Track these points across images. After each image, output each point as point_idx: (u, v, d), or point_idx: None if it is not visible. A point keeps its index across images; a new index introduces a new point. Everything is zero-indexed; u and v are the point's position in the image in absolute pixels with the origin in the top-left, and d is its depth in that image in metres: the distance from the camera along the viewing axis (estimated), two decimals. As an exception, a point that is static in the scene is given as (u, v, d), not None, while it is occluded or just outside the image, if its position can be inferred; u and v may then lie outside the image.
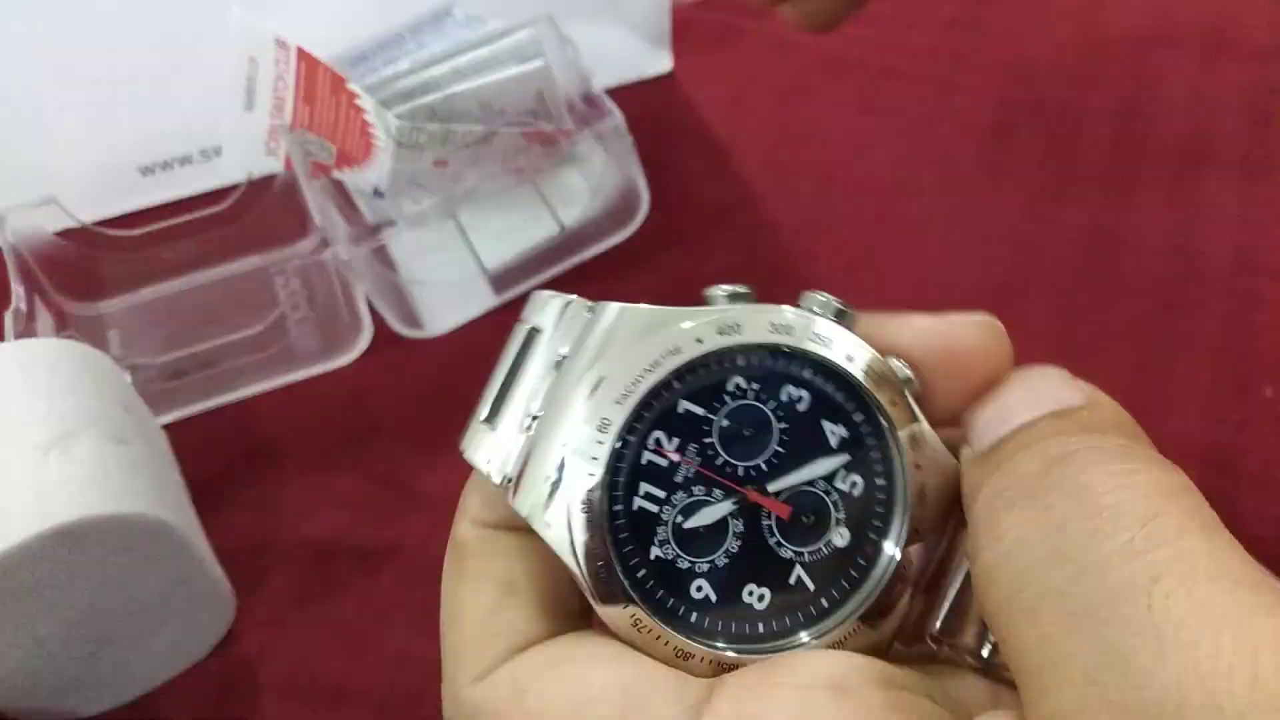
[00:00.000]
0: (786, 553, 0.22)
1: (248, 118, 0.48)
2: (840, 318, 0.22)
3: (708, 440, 0.22)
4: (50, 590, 0.35)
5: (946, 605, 0.22)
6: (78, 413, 0.37)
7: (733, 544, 0.22)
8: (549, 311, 0.23)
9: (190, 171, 0.55)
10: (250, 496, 0.45)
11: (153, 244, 0.49)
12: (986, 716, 0.19)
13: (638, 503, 0.22)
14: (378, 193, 0.48)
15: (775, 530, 0.22)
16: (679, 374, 0.21)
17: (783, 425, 0.22)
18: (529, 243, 0.51)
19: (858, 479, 0.22)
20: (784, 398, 0.22)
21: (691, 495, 0.22)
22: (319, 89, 0.46)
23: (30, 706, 0.38)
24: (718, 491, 0.22)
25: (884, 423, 0.22)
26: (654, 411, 0.21)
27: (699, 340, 0.21)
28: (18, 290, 0.44)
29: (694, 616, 0.22)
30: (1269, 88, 0.57)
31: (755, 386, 0.22)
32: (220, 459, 0.46)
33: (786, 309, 0.22)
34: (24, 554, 0.33)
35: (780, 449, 0.22)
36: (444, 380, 0.49)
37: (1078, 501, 0.18)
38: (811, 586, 0.22)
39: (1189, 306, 0.49)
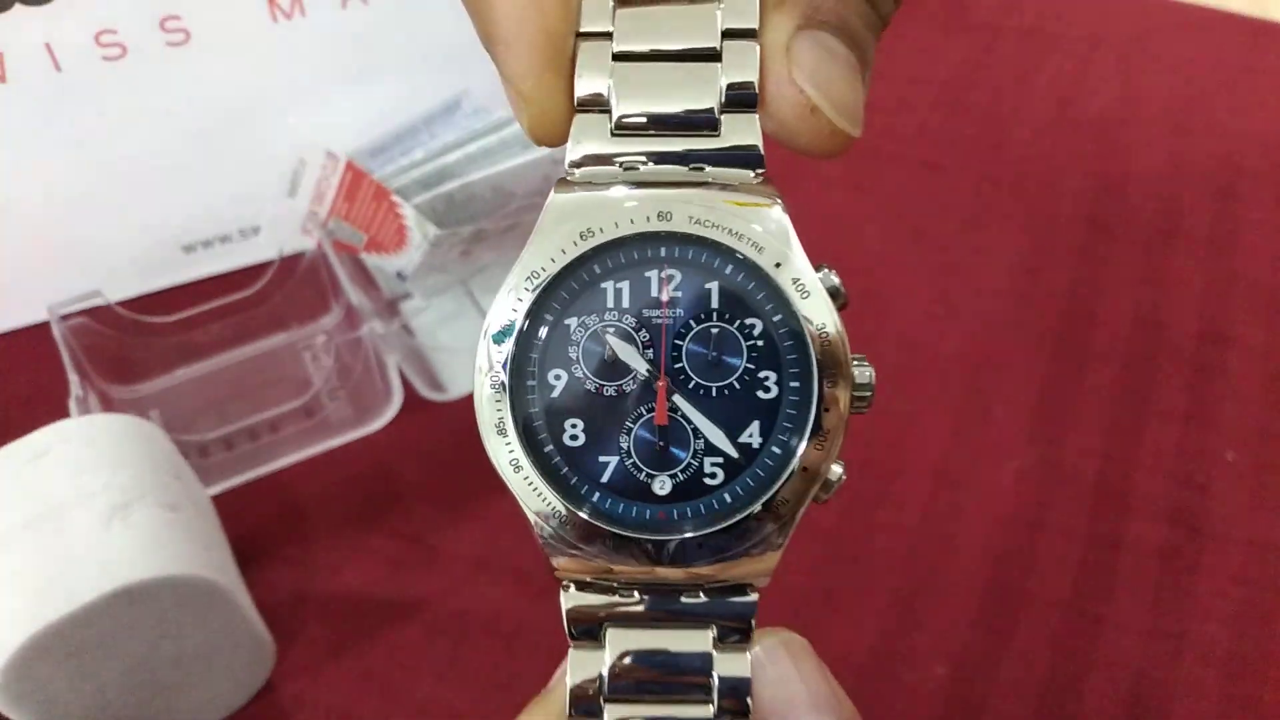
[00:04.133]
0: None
1: (289, 203, 0.52)
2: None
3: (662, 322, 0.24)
4: (112, 643, 0.39)
5: None
6: (134, 483, 0.41)
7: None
8: None
9: (230, 249, 0.59)
10: (288, 554, 0.49)
11: (187, 328, 0.53)
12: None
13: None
14: (401, 276, 0.52)
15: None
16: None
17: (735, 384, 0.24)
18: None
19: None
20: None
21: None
22: (361, 192, 0.50)
23: (90, 749, 0.42)
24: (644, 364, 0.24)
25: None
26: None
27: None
28: (73, 378, 0.48)
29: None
30: (1233, 166, 0.61)
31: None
32: (260, 520, 0.50)
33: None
34: (92, 612, 0.37)
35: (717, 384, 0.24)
36: (464, 442, 0.52)
37: None
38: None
39: (1156, 375, 0.53)
